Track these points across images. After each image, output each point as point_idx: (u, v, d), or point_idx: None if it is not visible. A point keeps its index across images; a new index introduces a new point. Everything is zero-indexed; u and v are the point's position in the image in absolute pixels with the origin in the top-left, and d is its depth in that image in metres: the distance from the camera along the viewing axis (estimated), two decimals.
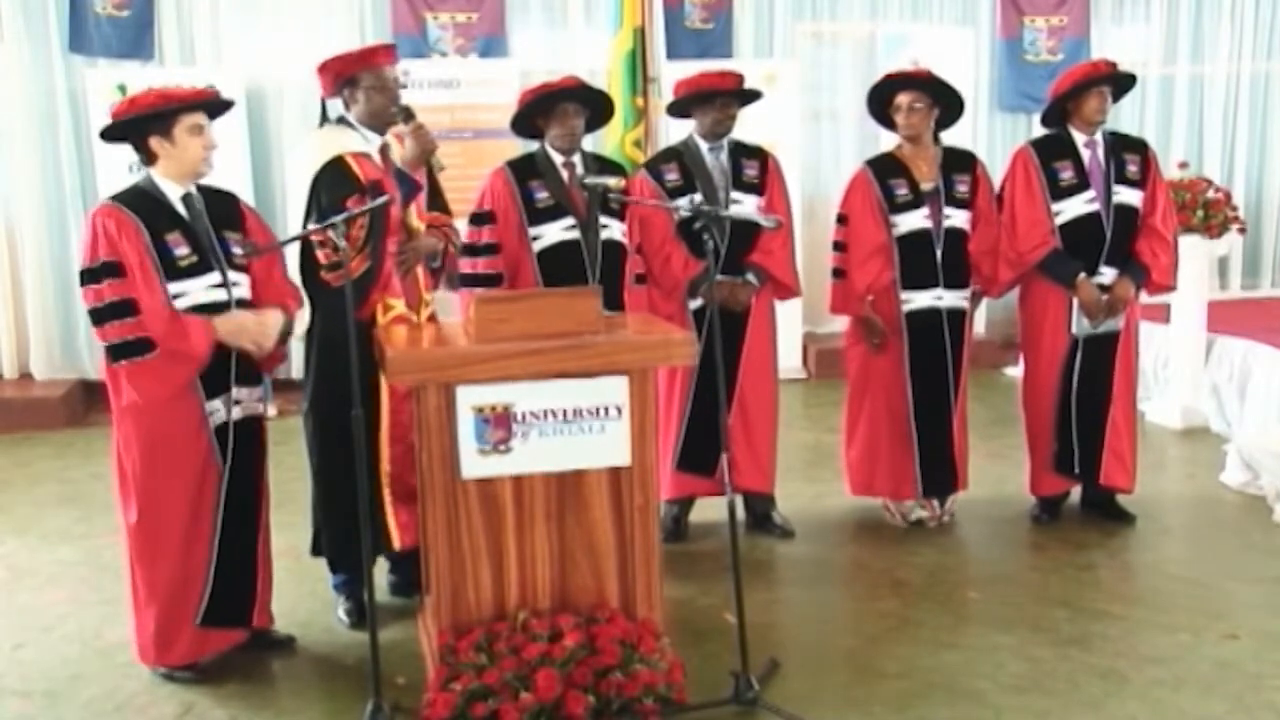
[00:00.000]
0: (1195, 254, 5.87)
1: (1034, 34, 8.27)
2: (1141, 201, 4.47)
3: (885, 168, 4.52)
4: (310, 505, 3.87)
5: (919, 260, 4.45)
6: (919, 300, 4.48)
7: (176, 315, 3.25)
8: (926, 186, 4.47)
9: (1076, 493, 4.76)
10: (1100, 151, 4.47)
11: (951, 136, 4.64)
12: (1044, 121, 4.61)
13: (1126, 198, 4.45)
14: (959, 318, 4.53)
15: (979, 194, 4.52)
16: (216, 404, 3.37)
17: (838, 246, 4.56)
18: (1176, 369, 6.24)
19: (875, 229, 4.47)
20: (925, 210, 4.45)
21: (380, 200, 3.35)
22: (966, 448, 4.66)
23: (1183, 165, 6.48)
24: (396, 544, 3.68)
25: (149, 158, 3.37)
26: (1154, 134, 8.06)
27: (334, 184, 3.51)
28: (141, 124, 3.33)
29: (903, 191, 4.46)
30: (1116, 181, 4.45)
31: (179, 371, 3.27)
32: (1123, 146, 4.53)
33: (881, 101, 4.51)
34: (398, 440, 3.63)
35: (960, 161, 4.54)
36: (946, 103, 4.48)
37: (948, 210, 4.46)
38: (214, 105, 3.45)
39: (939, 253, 4.45)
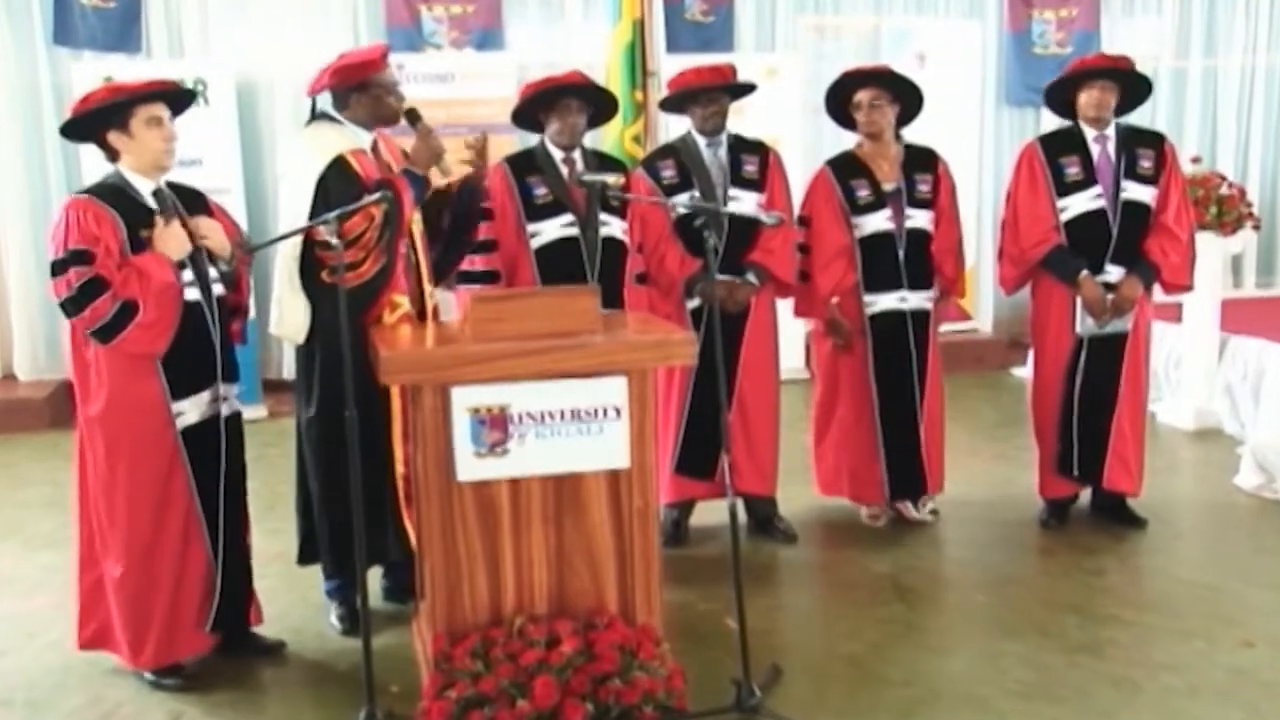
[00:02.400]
0: (1209, 251, 5.87)
1: (1042, 26, 8.28)
2: (1154, 198, 4.45)
3: (846, 168, 4.53)
4: (297, 512, 3.87)
5: (882, 262, 4.48)
6: (882, 302, 4.51)
7: (128, 263, 3.24)
8: (888, 187, 4.49)
9: (1086, 496, 4.76)
10: (1111, 146, 4.46)
11: (958, 131, 4.67)
12: (1050, 106, 4.62)
13: (1136, 194, 4.44)
14: (923, 319, 4.56)
15: (941, 193, 4.54)
16: (185, 404, 3.36)
17: (800, 249, 4.57)
18: (1189, 369, 6.24)
19: (837, 231, 4.49)
20: (888, 211, 4.47)
21: (376, 195, 3.35)
22: (940, 449, 4.68)
23: (1195, 160, 6.49)
24: (414, 546, 3.67)
25: (112, 154, 3.38)
26: (1166, 128, 8.00)
27: (341, 184, 3.51)
28: (97, 120, 3.33)
29: (864, 193, 4.48)
30: (1126, 177, 4.43)
31: (165, 312, 3.26)
32: (1137, 141, 4.50)
33: (839, 100, 4.51)
34: (409, 440, 3.63)
35: (922, 160, 4.56)
36: (906, 99, 4.50)
37: (910, 211, 4.48)
38: (170, 96, 3.42)
39: (901, 254, 4.48)
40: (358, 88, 3.65)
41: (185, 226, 3.36)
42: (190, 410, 3.38)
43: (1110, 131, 4.48)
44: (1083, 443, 4.56)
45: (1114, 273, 4.44)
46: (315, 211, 3.49)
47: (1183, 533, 4.68)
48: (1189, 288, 4.65)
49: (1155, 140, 4.55)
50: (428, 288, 3.80)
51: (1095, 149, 4.46)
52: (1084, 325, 4.48)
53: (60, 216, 3.28)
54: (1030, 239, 4.48)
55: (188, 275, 3.35)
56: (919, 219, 4.49)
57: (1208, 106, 8.60)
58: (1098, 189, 4.43)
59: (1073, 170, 4.45)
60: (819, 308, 4.55)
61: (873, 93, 4.43)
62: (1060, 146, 4.50)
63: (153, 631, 3.42)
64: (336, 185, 3.51)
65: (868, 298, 4.51)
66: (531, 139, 4.37)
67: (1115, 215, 4.43)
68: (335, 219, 3.16)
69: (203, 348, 3.38)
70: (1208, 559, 4.40)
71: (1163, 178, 4.46)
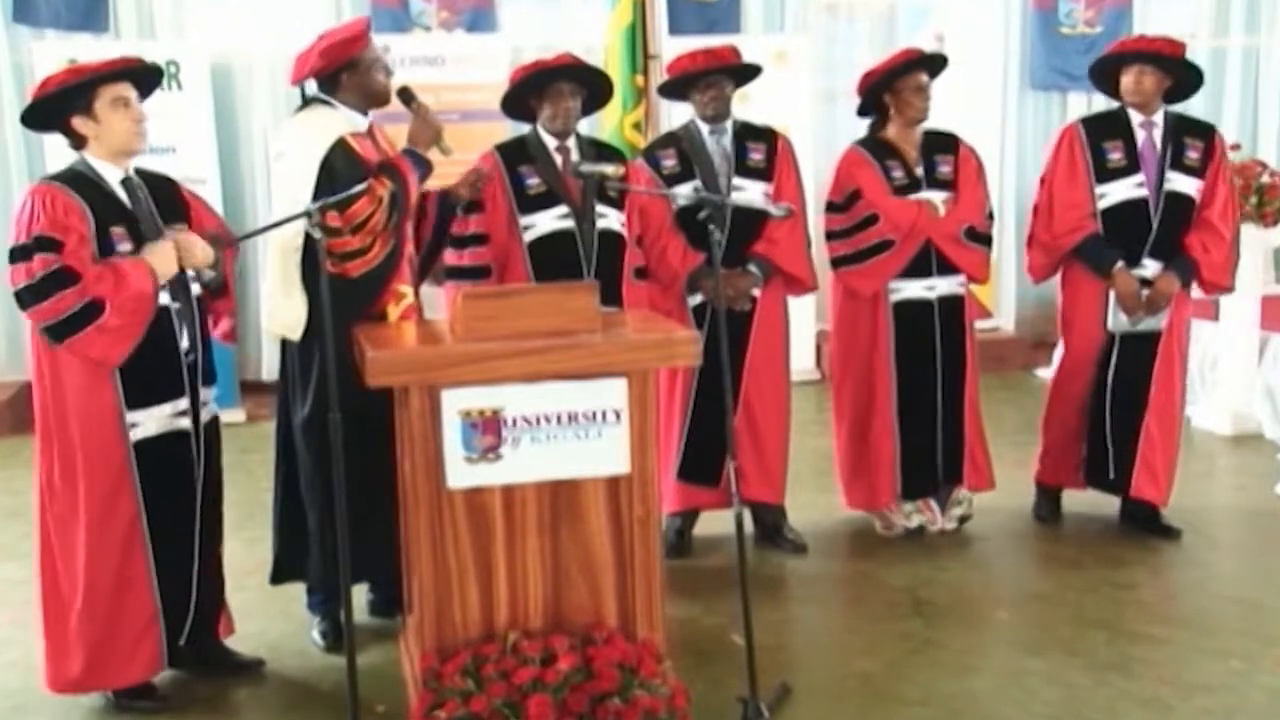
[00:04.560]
0: (1248, 245, 5.82)
1: (1070, 4, 8.28)
2: (1199, 191, 4.45)
3: (878, 149, 4.58)
4: (275, 525, 3.89)
5: None
6: (909, 290, 4.54)
7: (107, 263, 3.23)
8: (918, 171, 4.55)
9: (1115, 504, 4.77)
10: (1157, 134, 4.47)
11: (979, 117, 4.71)
12: (1096, 85, 4.66)
13: (1180, 186, 4.44)
14: (954, 305, 4.59)
15: (961, 174, 4.58)
16: (140, 416, 3.34)
17: (838, 234, 4.58)
18: (1226, 370, 6.26)
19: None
20: (920, 195, 4.52)
21: (358, 188, 3.39)
22: (981, 444, 4.71)
23: (1235, 147, 6.49)
24: None
25: (77, 141, 3.38)
26: (1202, 113, 7.97)
27: (347, 167, 3.56)
28: (59, 104, 3.33)
29: (899, 174, 4.53)
30: (1171, 167, 4.44)
31: (131, 322, 3.24)
32: (1186, 130, 4.51)
33: (890, 83, 4.52)
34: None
35: (943, 142, 4.62)
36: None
37: (930, 193, 4.52)
38: (136, 74, 3.42)
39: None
40: (346, 67, 3.69)
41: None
42: (146, 422, 3.36)
43: (1158, 118, 4.48)
44: (1115, 447, 4.58)
45: (1151, 267, 4.46)
46: (319, 196, 3.50)
47: (1219, 544, 4.70)
48: (1229, 289, 4.65)
49: (1205, 131, 4.55)
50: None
51: (1140, 135, 4.47)
52: (1116, 321, 4.50)
53: (25, 202, 3.28)
54: (1064, 226, 4.51)
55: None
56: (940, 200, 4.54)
57: (1248, 89, 8.57)
58: (1140, 177, 4.45)
59: (1115, 156, 4.47)
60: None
61: (926, 76, 4.49)
62: (1104, 130, 4.52)
63: (76, 651, 3.36)
64: (343, 168, 3.55)
65: (893, 284, 4.54)
66: (524, 128, 4.39)
67: (1157, 206, 4.44)
68: (318, 209, 3.18)
69: (167, 358, 3.37)
70: (1246, 573, 4.41)
71: (1210, 171, 4.47)
